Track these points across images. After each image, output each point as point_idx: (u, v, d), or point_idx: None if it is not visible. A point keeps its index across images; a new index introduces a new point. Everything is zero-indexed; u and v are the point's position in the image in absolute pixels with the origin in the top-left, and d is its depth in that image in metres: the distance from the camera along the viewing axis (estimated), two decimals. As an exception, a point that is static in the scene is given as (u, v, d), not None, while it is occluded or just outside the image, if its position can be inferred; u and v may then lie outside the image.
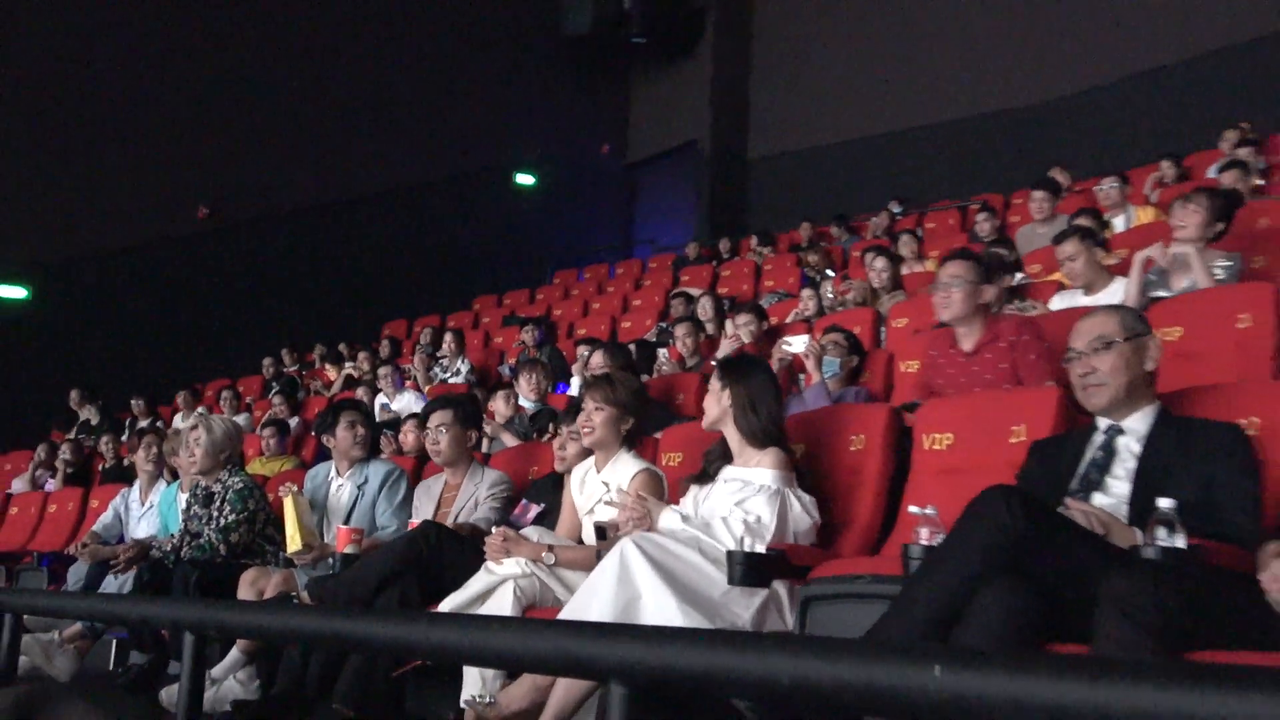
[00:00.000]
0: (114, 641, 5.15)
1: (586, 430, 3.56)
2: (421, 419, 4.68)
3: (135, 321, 12.29)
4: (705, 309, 7.40)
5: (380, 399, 8.09)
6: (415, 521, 3.90)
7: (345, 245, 14.03)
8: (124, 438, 8.87)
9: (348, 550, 3.87)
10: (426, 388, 8.34)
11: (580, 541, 3.51)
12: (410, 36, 14.65)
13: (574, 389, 6.68)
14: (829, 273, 8.07)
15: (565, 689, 2.72)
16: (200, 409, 9.14)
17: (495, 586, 3.23)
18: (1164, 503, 2.10)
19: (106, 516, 5.72)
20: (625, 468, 3.48)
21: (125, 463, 7.78)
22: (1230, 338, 3.52)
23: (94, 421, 10.29)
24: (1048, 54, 12.78)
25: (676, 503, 3.21)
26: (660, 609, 2.65)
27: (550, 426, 4.99)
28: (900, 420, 3.37)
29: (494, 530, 3.46)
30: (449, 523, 3.99)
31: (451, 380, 8.44)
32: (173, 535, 4.80)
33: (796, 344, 4.67)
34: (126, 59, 12.38)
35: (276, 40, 13.40)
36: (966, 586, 2.07)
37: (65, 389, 10.79)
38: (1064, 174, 9.24)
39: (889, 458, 3.27)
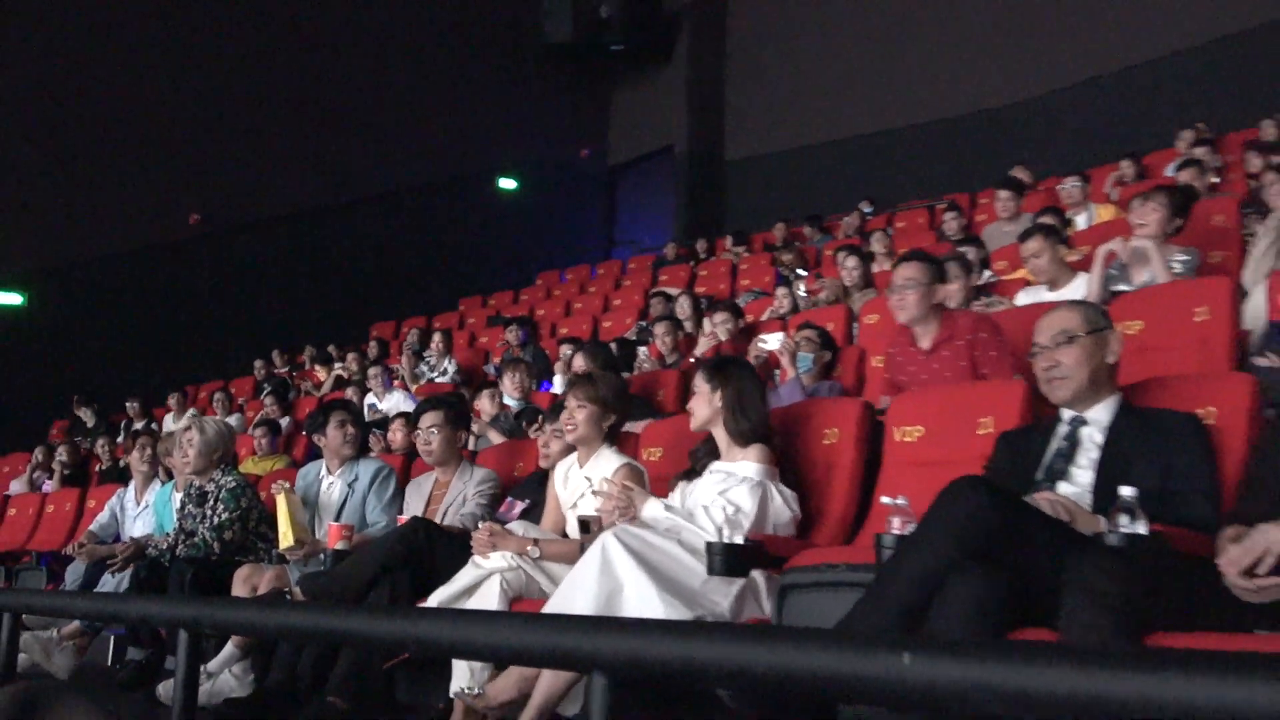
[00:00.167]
0: (112, 638, 5.18)
1: (569, 427, 3.62)
2: (412, 420, 4.73)
3: (130, 326, 12.32)
4: (683, 308, 7.49)
5: (369, 398, 8.07)
6: (404, 518, 3.95)
7: (333, 249, 14.06)
8: (119, 439, 8.88)
9: (339, 546, 3.91)
10: (414, 386, 8.33)
11: (564, 535, 3.56)
12: (396, 46, 14.68)
13: (557, 387, 6.75)
14: (802, 271, 8.09)
15: (550, 679, 2.79)
16: (191, 410, 9.17)
17: (482, 580, 3.27)
18: (1126, 491, 2.15)
19: (103, 516, 5.77)
20: (607, 463, 3.54)
21: (121, 464, 7.78)
22: (1189, 331, 3.59)
23: (90, 424, 10.32)
24: (1012, 59, 12.97)
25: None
26: (642, 599, 2.70)
27: (538, 419, 5.06)
28: (872, 414, 3.42)
29: (480, 525, 3.51)
30: (439, 519, 4.04)
31: (438, 379, 8.44)
32: (168, 534, 4.84)
33: (772, 341, 4.76)
34: (119, 72, 12.40)
35: (263, 50, 13.42)
36: (937, 574, 2.10)
37: (62, 392, 10.85)
38: (1025, 172, 9.33)
39: (862, 450, 3.32)
